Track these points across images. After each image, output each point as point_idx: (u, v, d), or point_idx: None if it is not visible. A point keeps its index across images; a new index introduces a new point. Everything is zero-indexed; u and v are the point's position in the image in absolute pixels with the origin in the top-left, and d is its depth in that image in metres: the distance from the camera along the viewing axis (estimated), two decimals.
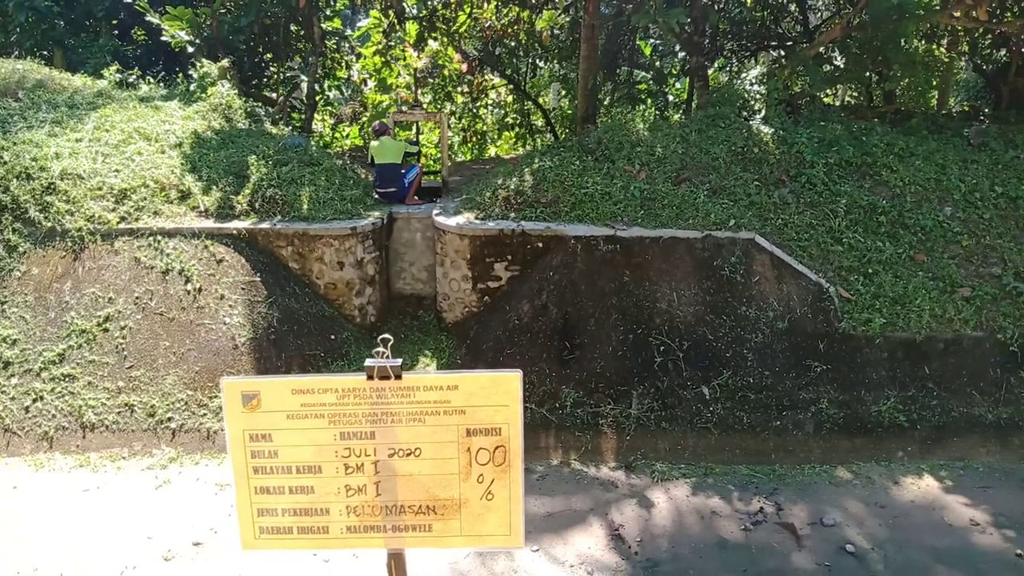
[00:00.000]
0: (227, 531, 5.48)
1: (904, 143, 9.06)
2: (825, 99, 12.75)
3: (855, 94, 13.49)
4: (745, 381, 7.11)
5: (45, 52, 12.80)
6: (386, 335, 2.79)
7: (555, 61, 16.11)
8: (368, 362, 2.74)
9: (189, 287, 7.55)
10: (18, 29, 12.76)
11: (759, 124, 9.44)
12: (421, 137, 15.92)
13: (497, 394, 2.79)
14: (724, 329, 7.36)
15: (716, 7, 13.01)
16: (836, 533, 5.66)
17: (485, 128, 17.70)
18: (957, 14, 9.69)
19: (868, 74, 11.38)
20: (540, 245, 8.04)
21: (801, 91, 10.67)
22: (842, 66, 11.17)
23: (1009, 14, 10.33)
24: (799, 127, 9.29)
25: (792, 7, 13.88)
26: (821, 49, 10.91)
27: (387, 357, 2.74)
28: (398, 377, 2.75)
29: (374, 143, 9.65)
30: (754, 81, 10.49)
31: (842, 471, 6.62)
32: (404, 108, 12.98)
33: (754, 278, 7.58)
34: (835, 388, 7.09)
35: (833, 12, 13.22)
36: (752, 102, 9.96)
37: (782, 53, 13.53)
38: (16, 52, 12.33)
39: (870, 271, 7.66)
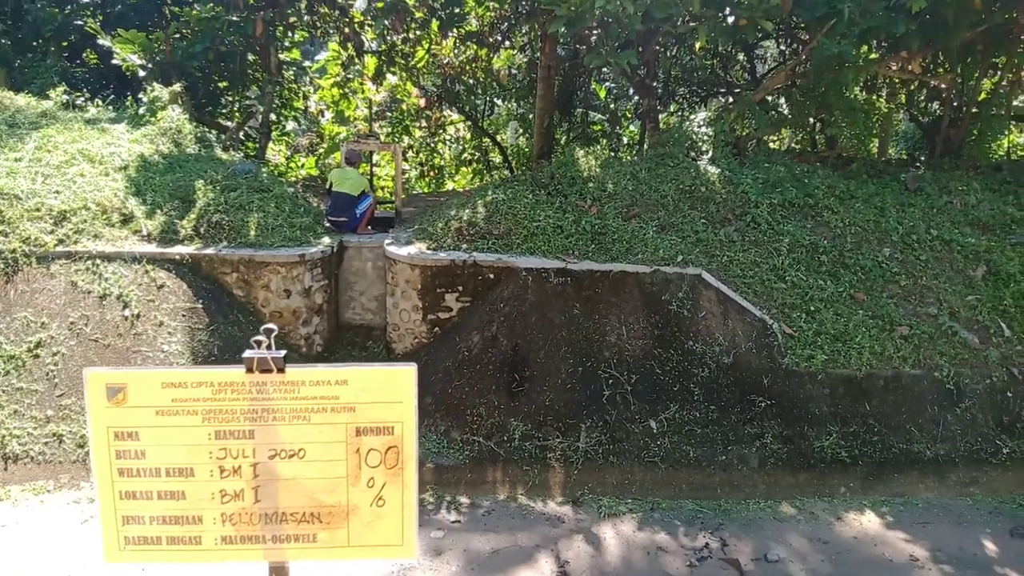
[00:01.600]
0: (155, 570, 5.20)
1: (845, 186, 9.39)
2: (771, 145, 13.19)
3: (799, 140, 14.00)
4: (692, 415, 7.15)
5: None
6: (270, 325, 2.57)
7: (512, 100, 16.37)
8: (247, 353, 2.52)
9: (127, 312, 7.30)
10: None
11: (706, 164, 9.68)
12: (377, 169, 15.92)
13: (390, 390, 2.59)
14: (671, 363, 7.41)
15: (668, 54, 13.45)
16: (780, 569, 5.66)
17: (443, 163, 17.79)
18: (894, 66, 10.20)
19: (812, 120, 11.84)
20: (491, 276, 8.03)
21: (747, 134, 11.01)
22: (786, 112, 11.60)
23: (941, 69, 10.90)
24: (745, 168, 9.56)
25: (740, 56, 14.44)
26: (768, 97, 11.34)
27: (269, 348, 2.53)
28: (281, 370, 2.54)
29: (336, 170, 9.54)
30: (702, 123, 10.79)
31: (786, 506, 6.66)
32: (360, 138, 12.97)
33: (700, 313, 7.68)
34: (779, 423, 7.17)
35: (779, 62, 13.78)
36: (700, 143, 10.23)
37: (731, 100, 14.01)
38: None
39: (812, 308, 7.84)
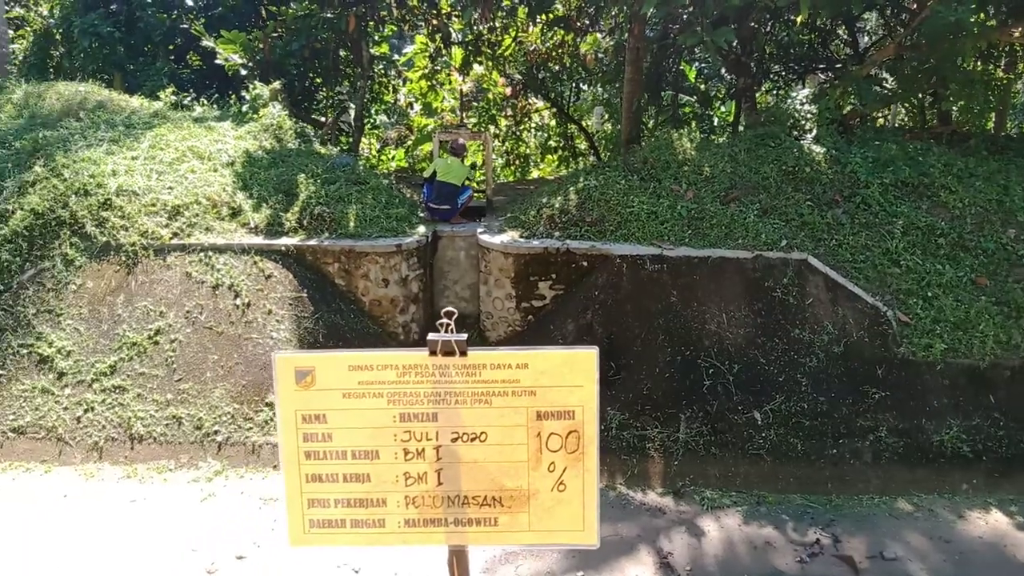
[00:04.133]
0: (270, 545, 5.44)
1: (963, 164, 8.77)
2: (878, 122, 12.48)
3: (908, 116, 13.18)
4: (799, 407, 6.87)
5: (106, 75, 13.28)
6: (451, 308, 2.60)
7: (598, 84, 16.13)
8: (431, 336, 2.54)
9: (238, 302, 7.64)
10: (82, 54, 13.29)
11: (810, 144, 9.24)
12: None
13: (571, 373, 2.54)
14: (776, 352, 7.14)
15: (763, 30, 12.90)
16: (898, 568, 5.38)
17: (528, 151, 17.77)
18: (1015, 33, 9.42)
19: (921, 95, 11.11)
20: (585, 264, 7.95)
21: (853, 111, 10.44)
22: (894, 87, 10.93)
23: None
24: (852, 147, 9.07)
25: (841, 30, 13.69)
26: (873, 71, 10.70)
27: (451, 331, 2.53)
28: (463, 353, 2.53)
29: (439, 160, 9.67)
30: (804, 101, 10.30)
31: (903, 503, 6.32)
32: (449, 129, 13.09)
33: (807, 300, 7.36)
34: (894, 416, 6.80)
35: (883, 35, 12.98)
36: (802, 122, 9.77)
37: (831, 76, 13.32)
38: (80, 75, 12.81)
39: (929, 295, 7.38)
